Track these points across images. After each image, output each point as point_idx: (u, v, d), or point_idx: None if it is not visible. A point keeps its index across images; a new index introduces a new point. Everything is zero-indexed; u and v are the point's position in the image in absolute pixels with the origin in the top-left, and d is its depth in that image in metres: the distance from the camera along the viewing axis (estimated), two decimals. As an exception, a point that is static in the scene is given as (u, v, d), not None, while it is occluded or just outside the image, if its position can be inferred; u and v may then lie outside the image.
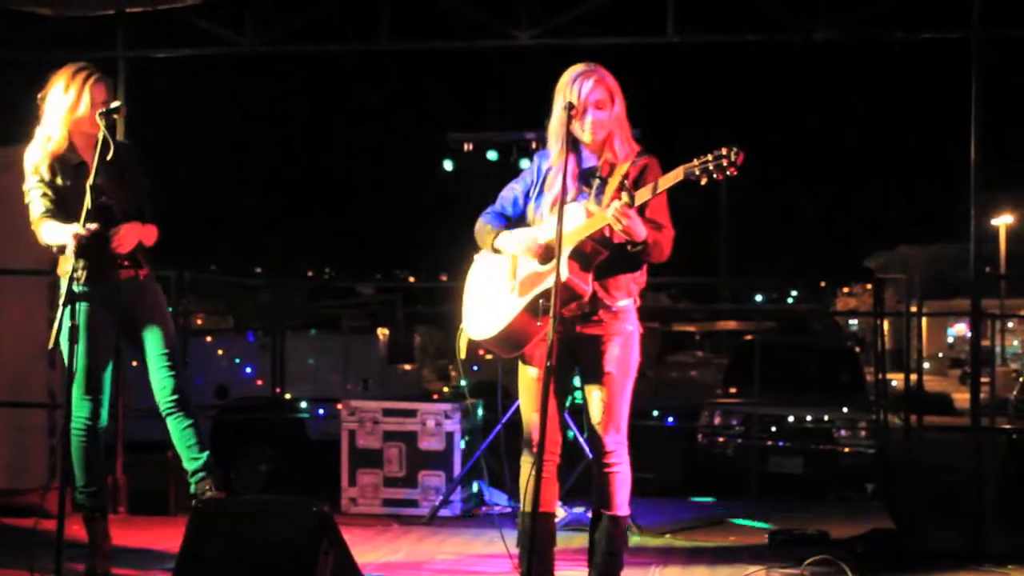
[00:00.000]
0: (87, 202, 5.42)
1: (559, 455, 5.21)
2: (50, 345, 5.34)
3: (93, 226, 5.47)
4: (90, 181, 5.48)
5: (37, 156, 5.83)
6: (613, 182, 5.03)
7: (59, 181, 5.78)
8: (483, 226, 5.29)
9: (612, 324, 5.08)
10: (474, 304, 5.29)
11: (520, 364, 5.23)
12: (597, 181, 5.09)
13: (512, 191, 5.33)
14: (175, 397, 5.89)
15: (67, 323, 5.25)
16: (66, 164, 5.78)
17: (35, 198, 5.81)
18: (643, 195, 4.87)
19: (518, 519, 5.30)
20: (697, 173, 4.76)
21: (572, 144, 5.08)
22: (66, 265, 5.64)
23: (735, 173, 4.74)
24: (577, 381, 5.26)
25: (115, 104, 5.71)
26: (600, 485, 5.13)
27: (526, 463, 5.18)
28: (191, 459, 5.92)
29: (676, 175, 4.80)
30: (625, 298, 5.12)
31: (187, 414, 5.92)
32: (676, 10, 8.22)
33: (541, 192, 5.20)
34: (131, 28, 8.60)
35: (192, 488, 5.92)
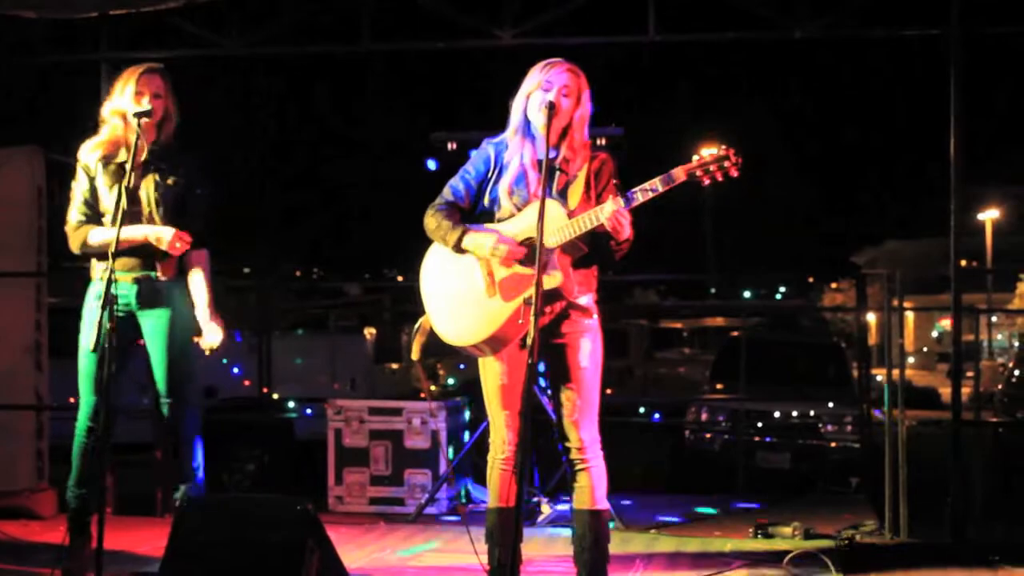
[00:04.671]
0: (122, 203, 5.44)
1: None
2: (92, 348, 5.36)
3: None
4: (125, 183, 5.50)
5: (83, 154, 5.89)
6: (578, 183, 5.04)
7: (99, 181, 5.81)
8: (441, 223, 5.10)
9: (581, 320, 5.09)
10: (447, 305, 5.15)
11: (482, 362, 5.18)
12: (560, 175, 5.07)
13: (464, 180, 5.20)
14: (175, 421, 5.93)
15: (107, 325, 5.26)
16: (110, 161, 5.79)
17: (74, 206, 5.84)
18: (639, 197, 4.85)
19: (486, 515, 5.34)
20: (699, 174, 4.79)
21: (527, 131, 5.09)
22: (98, 266, 5.78)
23: (736, 175, 4.78)
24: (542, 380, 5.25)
25: (145, 108, 5.70)
26: (578, 482, 5.14)
27: (494, 460, 5.22)
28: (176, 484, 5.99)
29: (677, 175, 4.81)
30: (588, 292, 5.13)
31: (181, 439, 5.92)
32: (658, 9, 8.25)
33: (499, 180, 5.14)
34: (114, 31, 8.61)
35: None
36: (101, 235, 5.77)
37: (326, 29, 9.07)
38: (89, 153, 5.88)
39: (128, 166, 5.57)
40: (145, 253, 5.82)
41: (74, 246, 5.86)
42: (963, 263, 8.19)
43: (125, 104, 5.80)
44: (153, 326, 5.88)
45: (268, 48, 9.00)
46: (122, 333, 5.81)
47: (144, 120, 5.68)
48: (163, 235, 5.75)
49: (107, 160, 5.81)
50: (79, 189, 5.87)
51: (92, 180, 5.84)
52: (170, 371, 5.89)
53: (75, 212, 5.86)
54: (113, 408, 5.78)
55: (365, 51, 8.74)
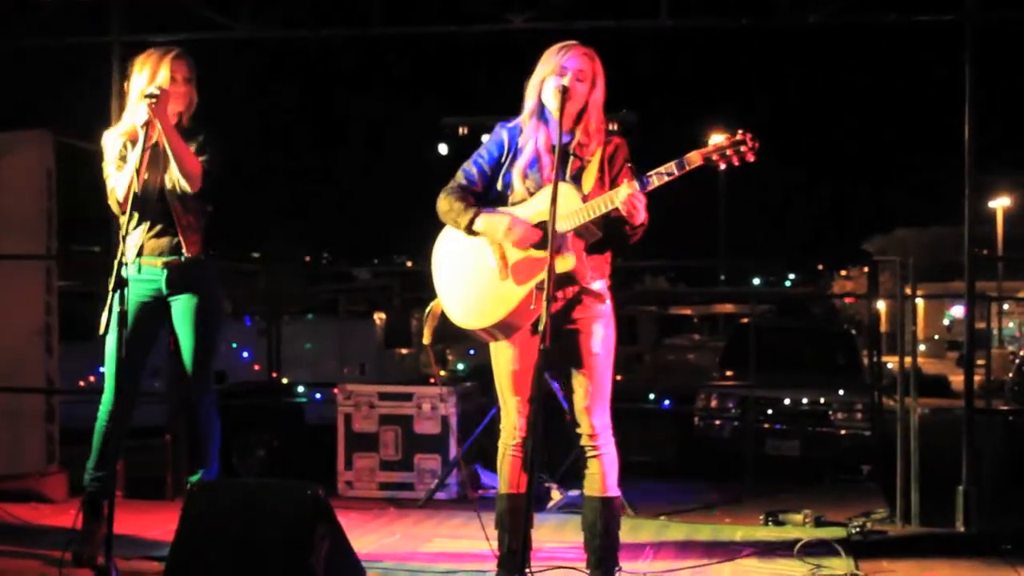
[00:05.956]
0: (132, 185, 5.41)
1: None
2: (100, 331, 5.34)
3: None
4: (135, 164, 5.46)
5: (110, 137, 5.86)
6: (591, 167, 5.01)
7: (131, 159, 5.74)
8: (453, 204, 5.08)
9: (593, 306, 5.06)
10: (458, 289, 5.14)
11: (494, 347, 5.17)
12: (573, 159, 5.05)
13: (477, 165, 5.18)
14: (192, 406, 5.96)
15: (116, 308, 5.22)
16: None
17: (109, 177, 5.81)
18: (655, 181, 4.81)
19: (496, 500, 5.34)
20: (715, 158, 4.74)
21: (541, 114, 5.05)
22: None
23: (753, 159, 4.74)
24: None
25: (153, 89, 5.63)
26: (590, 468, 5.13)
27: (505, 445, 5.21)
28: (194, 469, 5.99)
29: (693, 159, 4.77)
30: (601, 279, 5.10)
31: (197, 424, 5.97)
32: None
33: (513, 164, 5.11)
34: (126, 13, 8.58)
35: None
36: (120, 184, 5.73)
37: (336, 13, 9.03)
38: (116, 139, 5.84)
39: (145, 145, 5.53)
40: (171, 233, 5.79)
41: (115, 207, 5.81)
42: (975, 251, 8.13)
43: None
44: (181, 310, 5.89)
45: (279, 31, 8.97)
46: (151, 319, 5.82)
47: (152, 101, 5.61)
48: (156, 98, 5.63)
49: (135, 144, 5.76)
50: (110, 165, 5.82)
51: (122, 158, 5.79)
52: (195, 355, 5.90)
53: (111, 180, 5.81)
54: (133, 392, 5.81)
55: (376, 35, 8.71)
